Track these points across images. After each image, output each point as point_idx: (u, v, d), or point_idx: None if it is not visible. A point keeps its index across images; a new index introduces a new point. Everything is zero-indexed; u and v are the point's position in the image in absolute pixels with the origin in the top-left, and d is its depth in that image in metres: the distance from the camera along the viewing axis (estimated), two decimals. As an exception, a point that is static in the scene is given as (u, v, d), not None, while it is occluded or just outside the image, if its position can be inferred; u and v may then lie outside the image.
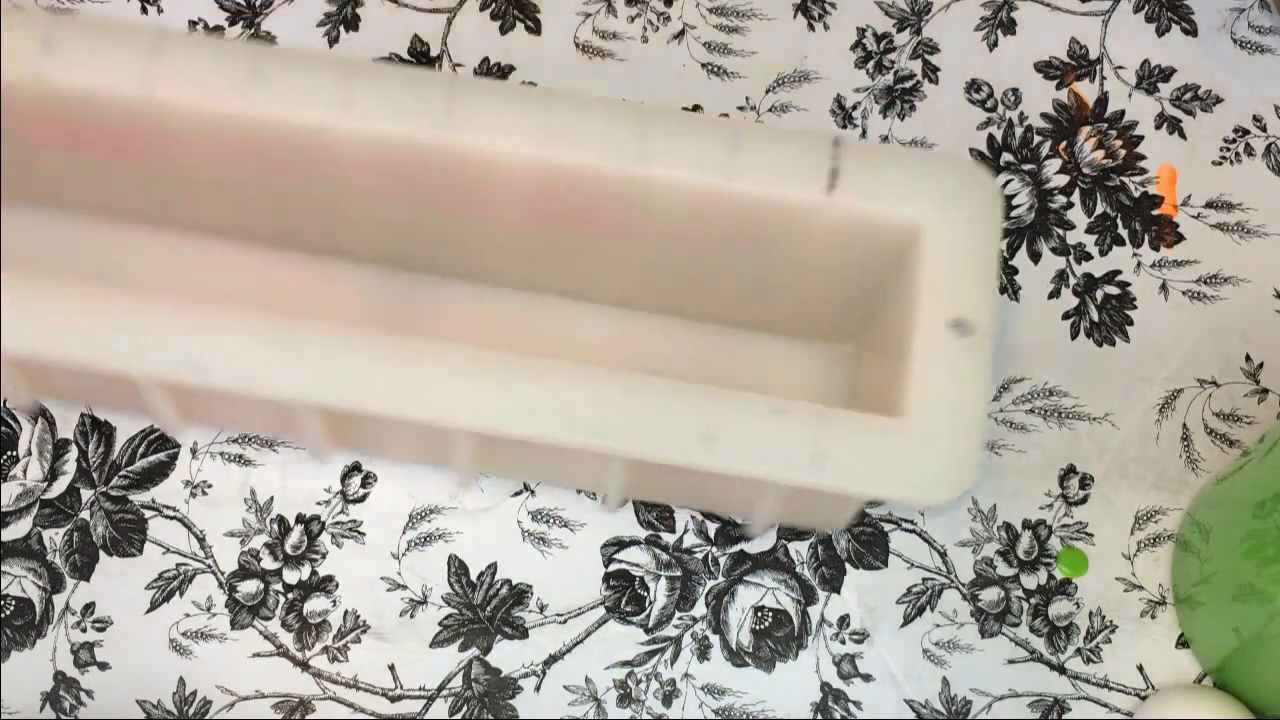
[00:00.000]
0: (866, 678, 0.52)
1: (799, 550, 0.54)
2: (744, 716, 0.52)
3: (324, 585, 0.53)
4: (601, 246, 0.49)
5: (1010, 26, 0.60)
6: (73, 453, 0.54)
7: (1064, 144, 0.59)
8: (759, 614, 0.53)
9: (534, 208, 0.47)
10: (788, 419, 0.43)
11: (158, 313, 0.43)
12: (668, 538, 0.54)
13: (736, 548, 0.54)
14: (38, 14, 0.46)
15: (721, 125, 0.46)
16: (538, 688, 0.52)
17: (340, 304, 0.53)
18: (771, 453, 0.43)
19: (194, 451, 0.54)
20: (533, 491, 0.54)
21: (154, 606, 0.53)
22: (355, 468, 0.54)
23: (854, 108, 0.59)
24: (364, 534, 0.54)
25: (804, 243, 0.47)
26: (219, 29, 0.60)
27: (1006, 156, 0.59)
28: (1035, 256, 0.57)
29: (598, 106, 0.46)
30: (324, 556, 0.53)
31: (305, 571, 0.53)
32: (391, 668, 0.52)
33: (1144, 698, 0.52)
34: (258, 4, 0.60)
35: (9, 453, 0.54)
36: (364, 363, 0.43)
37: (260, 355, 0.43)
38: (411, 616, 0.53)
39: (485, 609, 0.53)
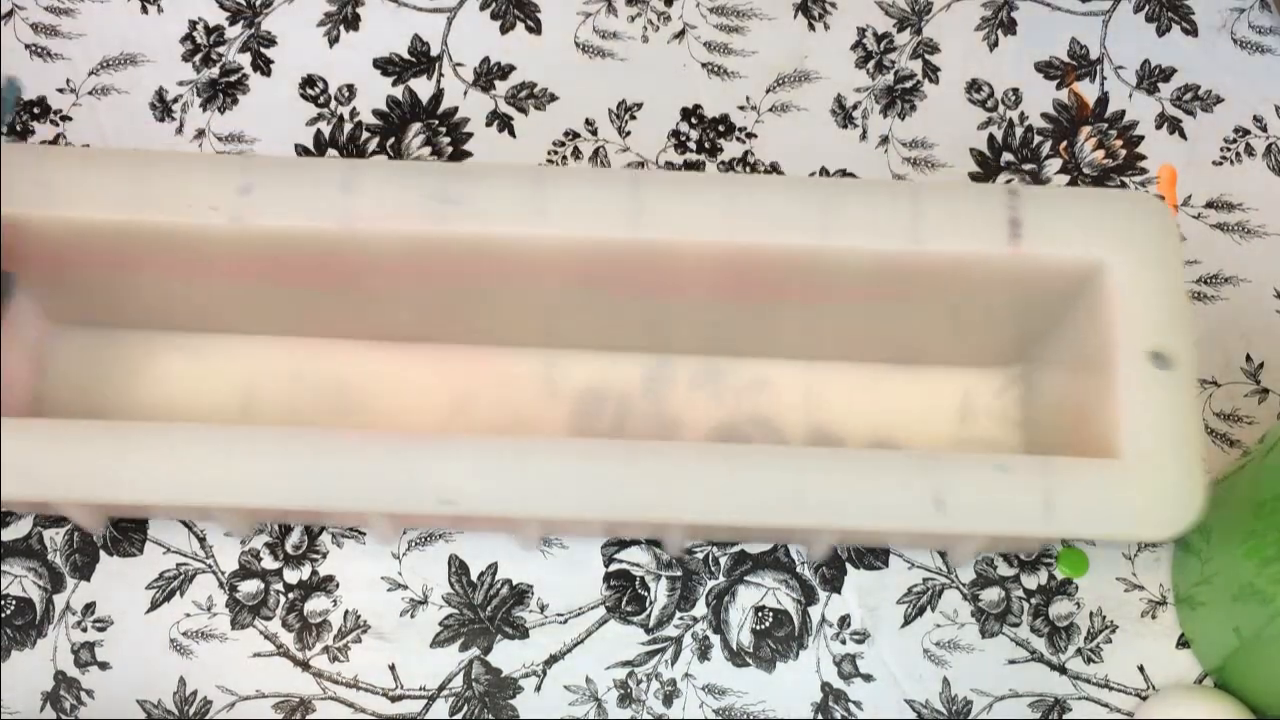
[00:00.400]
0: (867, 678, 0.52)
1: (799, 550, 0.53)
2: (744, 716, 0.51)
3: (324, 585, 0.53)
4: (787, 312, 0.50)
5: (1010, 26, 0.60)
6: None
7: (1064, 144, 0.59)
8: (759, 614, 0.53)
9: (722, 286, 0.49)
10: (1013, 474, 0.44)
11: (397, 450, 0.44)
12: (668, 538, 0.54)
13: (737, 548, 0.53)
14: (234, 160, 0.46)
15: (901, 190, 0.47)
16: (538, 687, 0.52)
17: (517, 390, 0.54)
18: (1002, 509, 0.44)
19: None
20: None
21: (154, 606, 0.52)
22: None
23: (854, 107, 0.59)
24: (364, 534, 0.53)
25: (987, 289, 0.48)
26: (219, 29, 0.60)
27: (1007, 156, 0.58)
28: (1036, 256, 0.57)
29: (778, 187, 0.47)
30: (324, 556, 0.53)
31: (306, 571, 0.53)
32: (392, 667, 0.52)
33: (1144, 698, 0.52)
34: (258, 4, 0.60)
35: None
36: (599, 471, 0.44)
37: (503, 480, 0.44)
38: (412, 616, 0.52)
39: (486, 609, 0.52)
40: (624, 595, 0.53)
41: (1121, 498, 0.44)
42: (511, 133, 0.59)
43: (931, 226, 0.46)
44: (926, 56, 0.60)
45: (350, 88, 0.59)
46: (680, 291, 0.49)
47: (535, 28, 0.60)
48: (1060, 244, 0.46)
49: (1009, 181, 0.57)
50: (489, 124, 0.59)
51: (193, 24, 0.60)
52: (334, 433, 0.45)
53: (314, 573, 0.53)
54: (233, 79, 0.59)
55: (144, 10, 0.60)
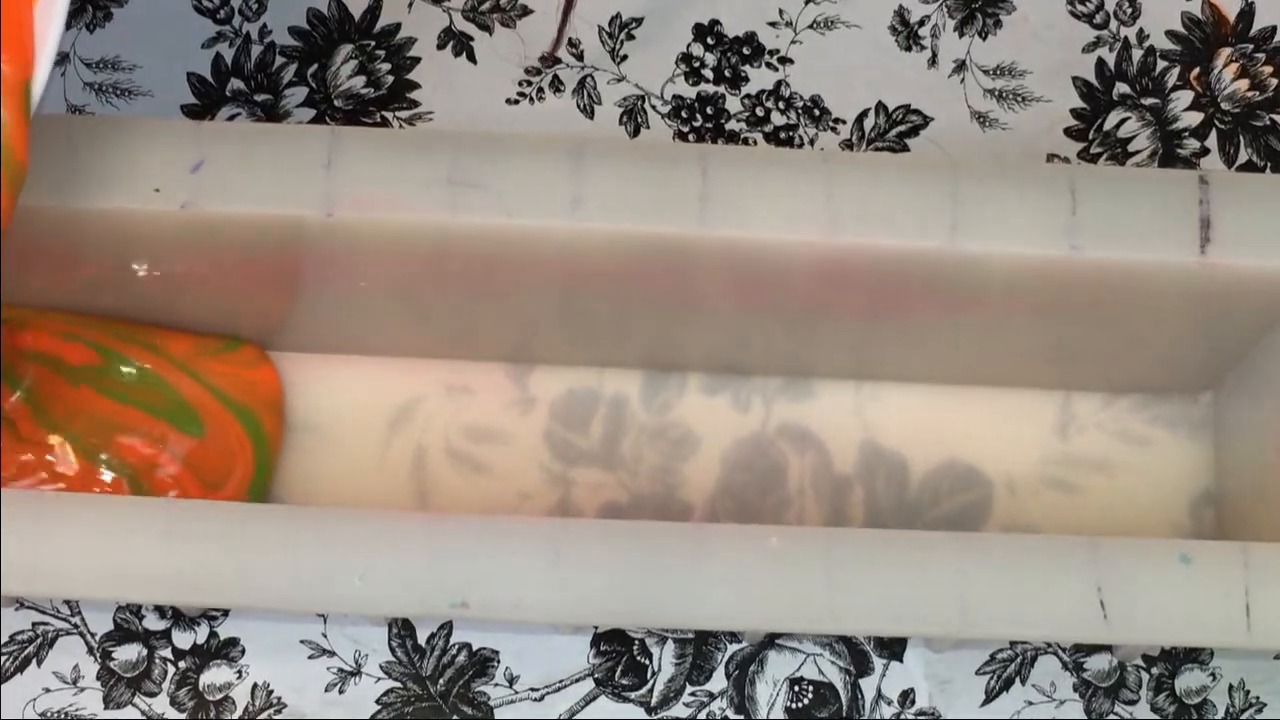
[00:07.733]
0: (939, 775, 0.48)
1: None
2: (777, 828, 0.48)
3: (226, 650, 0.48)
4: (911, 329, 0.48)
5: (1125, -82, 0.57)
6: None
7: (1196, 71, 0.54)
8: (796, 688, 0.49)
9: (822, 296, 0.45)
10: (1202, 567, 0.40)
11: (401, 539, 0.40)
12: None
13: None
14: (185, 126, 0.43)
15: (1055, 175, 0.43)
16: (505, 789, 0.47)
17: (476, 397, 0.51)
18: (1188, 614, 0.40)
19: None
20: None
21: (4, 678, 0.48)
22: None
23: (920, 23, 0.53)
24: (277, 585, 0.48)
25: (1170, 304, 0.45)
26: None
27: (1121, 88, 0.53)
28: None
29: (889, 170, 0.43)
30: (225, 614, 0.48)
31: (202, 633, 0.48)
32: (315, 763, 0.48)
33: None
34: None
35: None
36: (652, 566, 0.40)
37: (527, 583, 0.40)
38: (341, 692, 0.48)
39: (438, 682, 0.48)
40: (618, 663, 0.48)
41: None
42: (471, 58, 0.53)
43: (1095, 228, 0.42)
44: (1016, -44, 0.56)
45: (260, -1, 0.54)
46: (758, 300, 0.46)
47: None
48: (1263, 250, 0.42)
49: (1196, 160, 0.52)
50: (441, 46, 0.53)
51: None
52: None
53: (212, 634, 0.48)
54: (106, -12, 0.54)
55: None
